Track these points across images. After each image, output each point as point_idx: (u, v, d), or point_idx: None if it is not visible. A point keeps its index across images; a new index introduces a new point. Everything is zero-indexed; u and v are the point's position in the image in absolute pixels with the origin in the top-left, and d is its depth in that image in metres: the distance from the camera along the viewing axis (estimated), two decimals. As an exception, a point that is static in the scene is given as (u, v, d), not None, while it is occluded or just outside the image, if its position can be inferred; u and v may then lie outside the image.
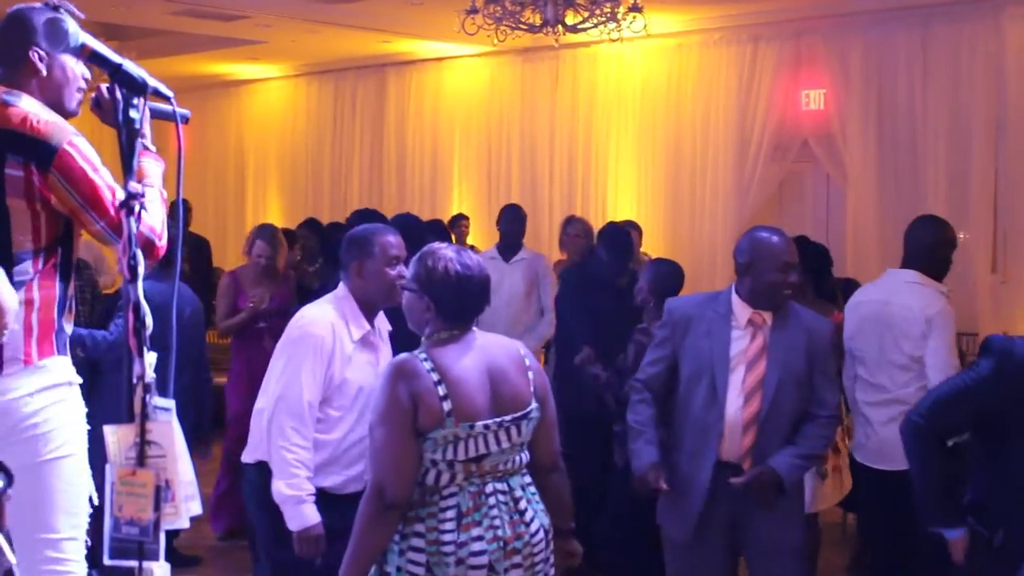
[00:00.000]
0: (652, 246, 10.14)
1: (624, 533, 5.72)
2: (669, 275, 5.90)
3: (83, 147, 2.97)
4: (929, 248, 5.36)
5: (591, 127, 11.90)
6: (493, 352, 3.50)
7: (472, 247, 10.53)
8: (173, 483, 2.27)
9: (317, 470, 4.13)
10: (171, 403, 2.27)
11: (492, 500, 3.37)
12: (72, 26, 2.20)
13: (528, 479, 3.51)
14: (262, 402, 4.19)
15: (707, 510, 4.32)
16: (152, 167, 3.08)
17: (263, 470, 4.15)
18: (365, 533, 3.32)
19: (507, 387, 3.44)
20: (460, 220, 11.66)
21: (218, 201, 15.16)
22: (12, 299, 2.52)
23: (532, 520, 3.43)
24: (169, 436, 2.26)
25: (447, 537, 3.29)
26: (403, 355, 3.41)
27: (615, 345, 6.06)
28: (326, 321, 4.14)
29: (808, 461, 4.46)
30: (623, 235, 7.14)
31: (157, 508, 2.25)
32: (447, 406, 3.30)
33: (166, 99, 2.29)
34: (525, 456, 3.50)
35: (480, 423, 3.34)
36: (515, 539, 3.37)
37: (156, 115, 2.58)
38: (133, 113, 2.24)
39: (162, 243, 3.00)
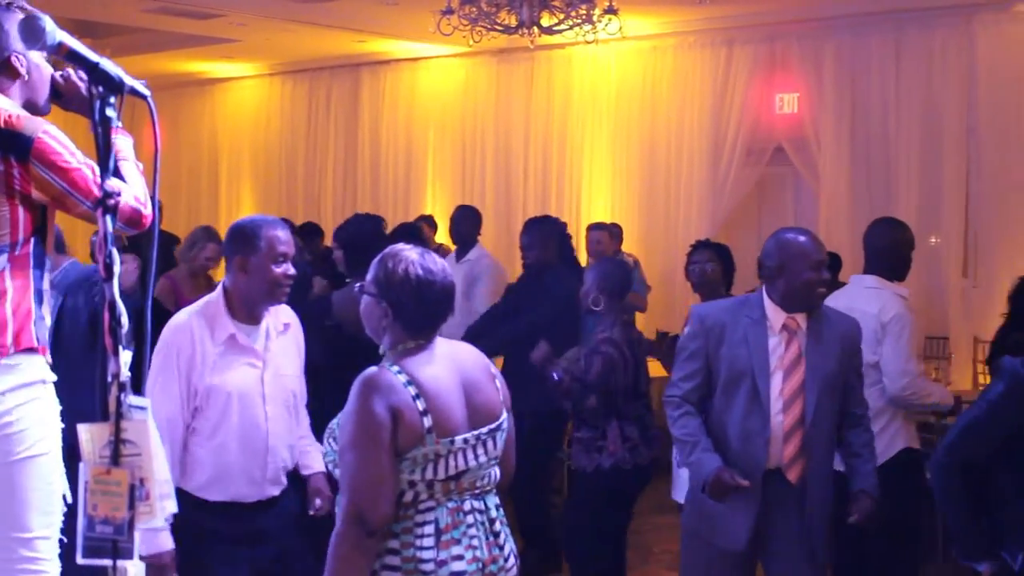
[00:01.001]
0: (625, 248, 10.16)
1: (589, 530, 5.71)
2: (616, 272, 5.83)
3: (57, 134, 2.99)
4: (886, 250, 5.41)
5: (566, 129, 11.92)
6: (463, 361, 3.24)
7: (441, 246, 10.53)
8: (148, 482, 2.26)
9: (211, 483, 3.95)
10: (147, 401, 2.27)
11: (470, 518, 3.12)
12: (49, 24, 2.19)
13: (498, 499, 3.27)
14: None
15: (758, 522, 4.27)
16: (123, 142, 3.11)
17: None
18: (344, 568, 2.98)
19: (480, 397, 3.19)
20: (423, 222, 11.57)
21: (191, 200, 15.10)
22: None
23: (505, 543, 3.22)
24: (144, 434, 2.26)
25: (426, 555, 3.02)
26: (371, 369, 3.10)
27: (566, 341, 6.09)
28: (185, 326, 3.92)
29: (875, 467, 4.45)
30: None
31: (131, 507, 2.24)
32: (427, 422, 3.02)
33: (143, 98, 2.29)
34: (497, 473, 3.25)
35: (460, 437, 3.08)
36: (491, 562, 3.14)
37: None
38: (110, 112, 2.24)
39: (148, 211, 3.01)
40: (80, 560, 2.27)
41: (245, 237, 4.03)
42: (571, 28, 8.42)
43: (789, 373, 4.26)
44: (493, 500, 3.23)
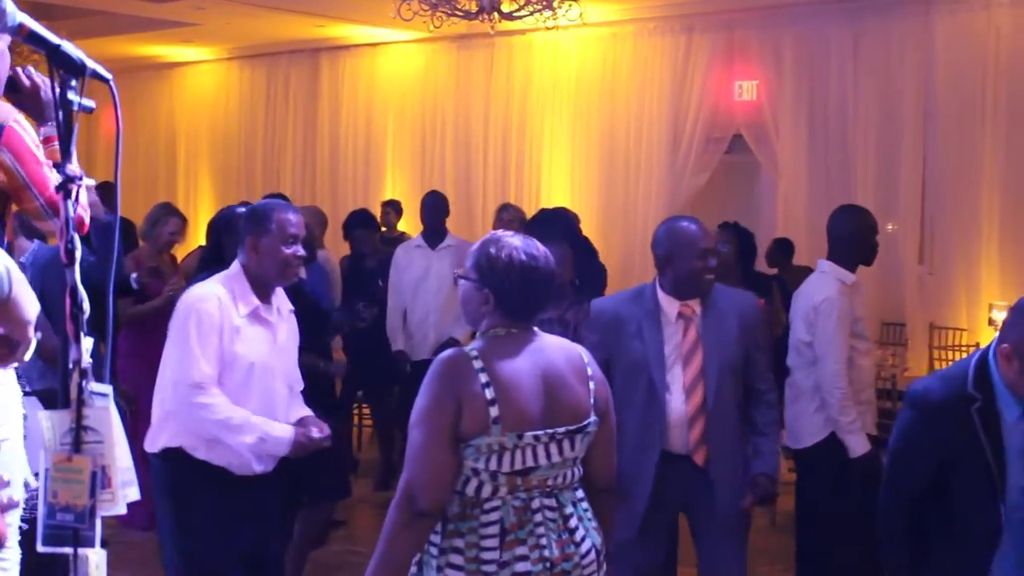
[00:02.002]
0: (585, 233, 10.17)
1: None
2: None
3: (26, 125, 2.95)
4: (845, 237, 5.46)
5: (526, 115, 11.92)
6: (553, 356, 3.16)
7: (403, 234, 10.51)
8: (110, 469, 2.24)
9: (210, 445, 4.06)
10: (108, 388, 2.25)
11: (538, 517, 3.04)
12: (9, 5, 2.16)
13: (580, 494, 3.18)
14: (161, 389, 4.12)
15: (653, 507, 4.38)
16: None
17: (168, 458, 4.09)
18: (392, 541, 3.01)
19: (564, 395, 3.10)
20: (388, 207, 11.57)
21: (148, 185, 14.95)
22: (33, 306, 2.48)
23: (583, 539, 3.11)
24: (106, 422, 2.24)
25: (488, 555, 2.99)
26: (453, 350, 3.10)
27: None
28: (212, 295, 4.05)
29: (778, 445, 4.55)
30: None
31: (93, 494, 2.22)
32: (494, 412, 2.97)
33: (105, 81, 2.27)
34: (578, 471, 3.17)
35: (530, 433, 3.01)
36: (563, 560, 3.04)
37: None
38: (71, 95, 2.21)
39: (87, 218, 3.00)
40: (40, 548, 2.25)
41: (257, 219, 4.19)
42: (531, 14, 8.44)
43: (689, 360, 4.36)
44: (570, 497, 3.14)
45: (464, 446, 3.00)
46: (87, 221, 3.03)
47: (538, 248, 3.17)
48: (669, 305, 4.38)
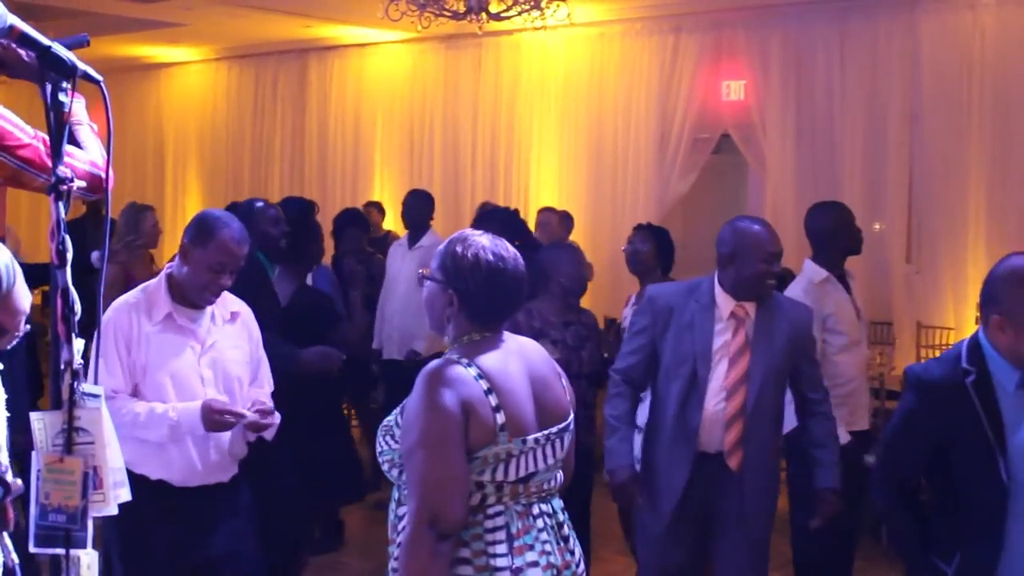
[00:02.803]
0: (572, 233, 10.20)
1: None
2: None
3: (3, 110, 2.93)
4: (819, 233, 5.51)
5: (514, 115, 11.93)
6: (532, 357, 3.02)
7: (389, 233, 10.51)
8: (101, 470, 2.25)
9: (146, 459, 3.91)
10: (100, 389, 2.26)
11: (540, 523, 2.91)
12: (0, 7, 2.16)
13: (562, 502, 3.06)
14: None
15: (682, 505, 4.37)
16: (76, 105, 3.03)
17: None
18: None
19: (550, 396, 2.99)
20: (371, 207, 11.58)
21: (136, 186, 14.92)
22: (27, 300, 2.47)
23: (575, 547, 3.03)
24: (98, 423, 2.24)
25: (500, 562, 2.80)
26: (441, 360, 2.87)
27: None
28: (123, 304, 3.94)
29: (838, 456, 4.52)
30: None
31: (85, 495, 2.23)
32: (500, 418, 2.80)
33: (96, 82, 2.27)
34: (562, 476, 3.05)
35: (531, 437, 2.87)
36: (564, 568, 2.94)
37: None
38: (62, 97, 2.21)
39: (105, 174, 2.95)
40: (32, 549, 2.26)
41: (200, 230, 4.02)
42: (519, 15, 8.44)
43: (734, 361, 4.32)
44: (559, 503, 3.04)
45: (470, 459, 2.81)
46: (100, 174, 2.94)
47: (507, 249, 2.97)
48: (725, 303, 4.35)
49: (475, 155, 12.20)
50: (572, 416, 3.07)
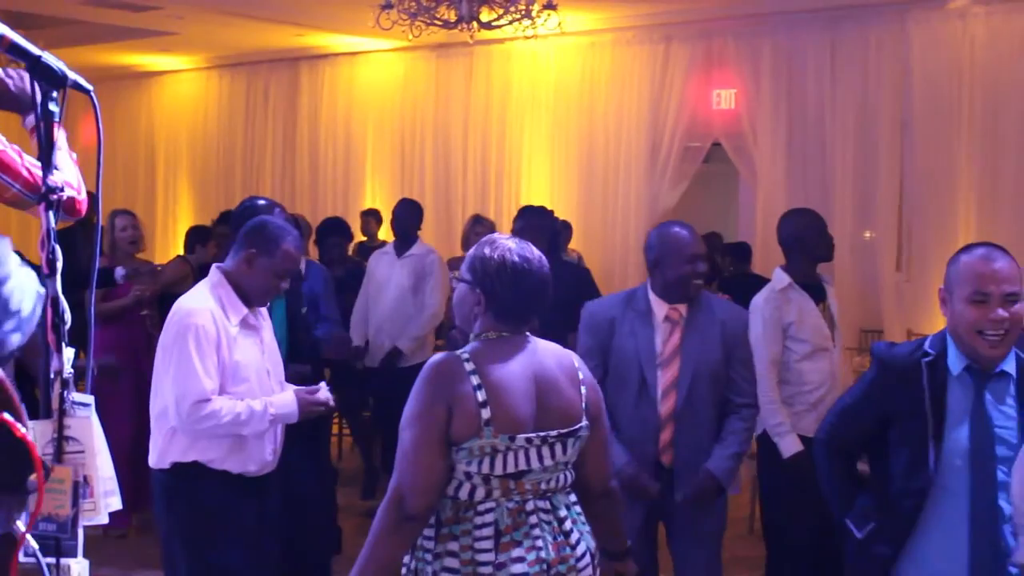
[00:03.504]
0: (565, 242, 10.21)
1: None
2: None
3: None
4: (793, 240, 5.54)
5: (505, 124, 11.93)
6: (545, 360, 3.16)
7: (384, 243, 10.52)
8: (92, 479, 2.25)
9: (229, 455, 4.12)
10: (90, 398, 2.26)
11: (534, 519, 3.04)
12: (-10, 17, 2.16)
13: (573, 498, 3.20)
14: (161, 405, 4.10)
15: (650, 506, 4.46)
16: (57, 133, 2.98)
17: (182, 473, 4.11)
18: (379, 544, 3.02)
19: (556, 399, 3.11)
20: (369, 216, 11.58)
21: (127, 194, 14.88)
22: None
23: (578, 543, 3.12)
24: (88, 432, 2.24)
25: (484, 557, 2.98)
26: (443, 354, 3.10)
27: None
28: (204, 309, 4.06)
29: (738, 457, 4.55)
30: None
31: (75, 504, 2.23)
32: (485, 414, 2.98)
33: (86, 92, 2.26)
34: (571, 475, 3.17)
35: (522, 436, 3.01)
36: (559, 562, 3.05)
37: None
38: (52, 106, 2.21)
39: (83, 197, 2.92)
40: (22, 558, 2.25)
41: (267, 237, 4.22)
42: (510, 23, 8.44)
43: (668, 363, 4.42)
44: (564, 500, 3.15)
45: (456, 449, 2.99)
46: (81, 199, 2.93)
47: (532, 251, 3.17)
48: (659, 307, 4.46)
49: (466, 163, 12.19)
50: (585, 422, 3.17)
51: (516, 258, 3.12)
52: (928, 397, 3.40)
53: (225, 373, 4.07)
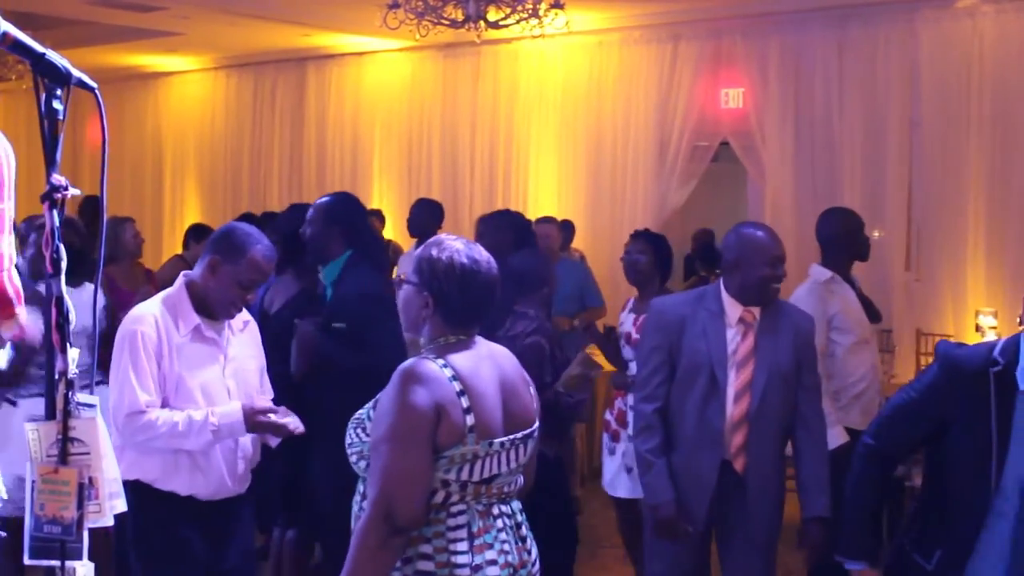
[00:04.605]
0: (572, 242, 10.19)
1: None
2: (529, 265, 5.64)
3: None
4: (827, 239, 5.53)
5: (512, 123, 11.91)
6: (502, 363, 3.12)
7: (390, 242, 10.49)
8: (97, 481, 2.23)
9: (172, 474, 3.90)
10: (95, 399, 2.24)
11: (499, 523, 3.01)
12: (-7, 15, 2.15)
13: (520, 504, 3.18)
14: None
15: (709, 511, 4.39)
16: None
17: (128, 490, 3.94)
18: (366, 564, 2.85)
19: (517, 402, 3.08)
20: (371, 216, 11.51)
21: (135, 196, 14.92)
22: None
23: (532, 548, 3.14)
24: (93, 433, 2.22)
25: (461, 559, 2.89)
26: (418, 359, 2.97)
27: None
28: (148, 315, 3.85)
29: (827, 483, 4.42)
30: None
31: (80, 506, 2.21)
32: (470, 420, 2.90)
33: (91, 90, 2.25)
34: (522, 480, 3.16)
35: (497, 441, 2.97)
36: (521, 567, 3.04)
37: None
38: (56, 104, 2.19)
39: (20, 308, 2.58)
40: (27, 561, 2.24)
41: (232, 245, 3.98)
42: (517, 23, 8.42)
43: (741, 366, 4.34)
44: (517, 505, 3.14)
45: (437, 457, 2.90)
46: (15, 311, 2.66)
47: (481, 253, 3.09)
48: (732, 308, 4.39)
49: (474, 163, 12.18)
50: (537, 424, 3.15)
51: (465, 259, 3.03)
52: (995, 412, 3.23)
53: (167, 385, 3.84)
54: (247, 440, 4.06)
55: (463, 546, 2.91)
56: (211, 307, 3.96)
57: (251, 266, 3.95)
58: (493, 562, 2.94)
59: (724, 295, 4.40)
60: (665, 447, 4.40)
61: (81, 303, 5.67)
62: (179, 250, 9.57)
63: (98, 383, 5.69)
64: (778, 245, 4.40)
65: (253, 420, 3.92)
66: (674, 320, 4.42)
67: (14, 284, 2.56)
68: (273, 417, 3.99)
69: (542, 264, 5.71)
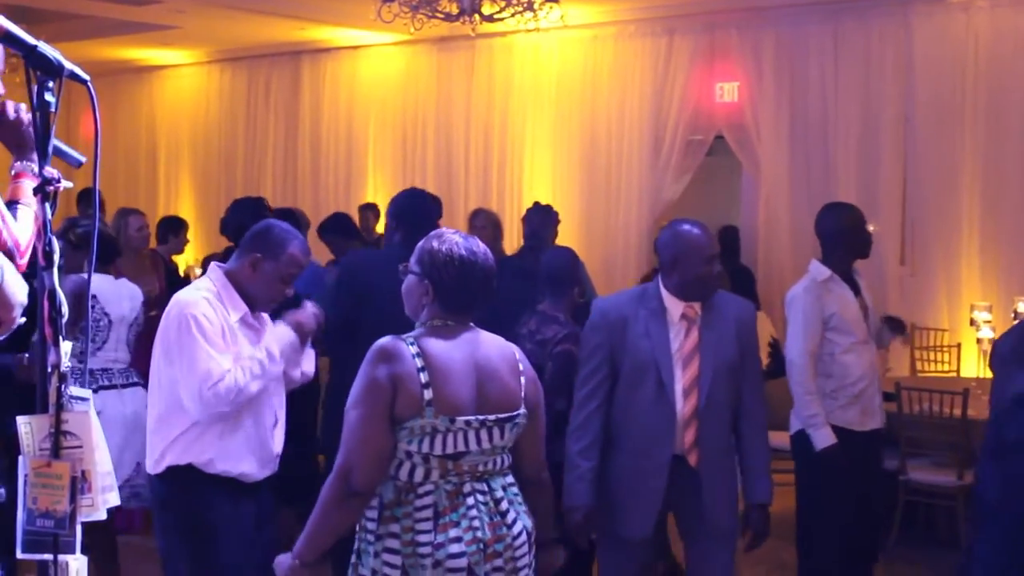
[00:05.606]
0: (567, 236, 10.17)
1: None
2: (559, 261, 5.58)
3: None
4: (826, 235, 5.51)
5: (507, 117, 11.90)
6: (486, 349, 3.33)
7: (381, 237, 10.46)
8: (90, 474, 2.23)
9: (229, 456, 3.98)
10: (88, 393, 2.23)
11: (471, 500, 3.22)
12: (-16, 7, 2.14)
13: (510, 479, 3.37)
14: (162, 407, 3.98)
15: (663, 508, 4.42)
16: (29, 186, 2.79)
17: (177, 476, 3.99)
18: (324, 517, 3.21)
19: (495, 386, 3.28)
20: (367, 210, 11.51)
21: (129, 189, 14.89)
22: (22, 292, 2.43)
23: (515, 522, 3.29)
24: (86, 426, 2.22)
25: (423, 538, 3.15)
26: (387, 337, 3.25)
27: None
28: (202, 301, 3.94)
29: (769, 469, 4.52)
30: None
31: (73, 500, 2.20)
32: (428, 394, 3.15)
33: (83, 82, 2.24)
34: (507, 459, 3.36)
35: (462, 418, 3.19)
36: (496, 541, 3.22)
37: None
38: (48, 96, 2.18)
39: (23, 261, 2.71)
40: (20, 555, 2.23)
41: (272, 241, 4.12)
42: (512, 16, 8.41)
43: (687, 363, 4.36)
44: (501, 482, 3.32)
45: (399, 427, 3.16)
46: (22, 263, 2.70)
47: (478, 245, 3.35)
48: (673, 305, 4.38)
49: (468, 157, 12.17)
50: (523, 411, 3.34)
51: (463, 251, 3.29)
52: None
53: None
54: (281, 425, 4.20)
55: (427, 525, 3.16)
56: (253, 300, 4.10)
57: (291, 261, 4.12)
58: (457, 539, 3.16)
59: (664, 292, 4.40)
60: (595, 449, 4.38)
61: (118, 295, 5.60)
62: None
63: (133, 384, 5.73)
64: (713, 244, 4.42)
65: (296, 327, 4.17)
66: (617, 320, 4.41)
67: (13, 236, 2.61)
68: (305, 312, 4.24)
69: (573, 263, 5.64)
